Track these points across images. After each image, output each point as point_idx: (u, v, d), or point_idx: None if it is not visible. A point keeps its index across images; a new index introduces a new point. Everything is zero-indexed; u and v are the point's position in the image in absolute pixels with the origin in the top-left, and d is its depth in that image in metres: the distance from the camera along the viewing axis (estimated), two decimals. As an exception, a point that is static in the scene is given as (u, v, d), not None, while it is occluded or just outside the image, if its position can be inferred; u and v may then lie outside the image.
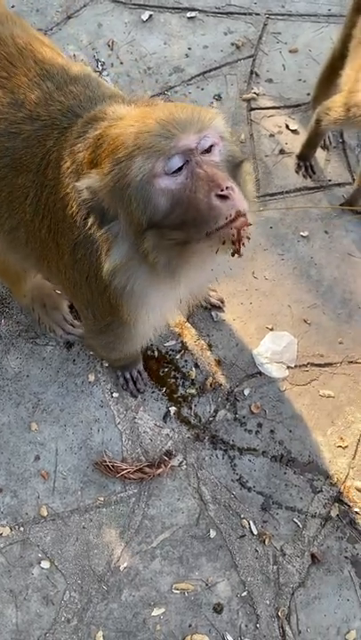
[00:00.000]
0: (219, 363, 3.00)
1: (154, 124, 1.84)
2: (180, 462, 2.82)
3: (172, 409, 2.91)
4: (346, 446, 2.87)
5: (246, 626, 2.58)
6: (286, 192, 3.40)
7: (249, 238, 1.83)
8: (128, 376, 2.92)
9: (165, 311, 2.38)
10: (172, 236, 1.88)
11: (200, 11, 3.88)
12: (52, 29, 3.80)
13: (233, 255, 1.87)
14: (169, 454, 2.83)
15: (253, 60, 3.73)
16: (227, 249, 1.85)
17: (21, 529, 2.71)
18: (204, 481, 2.79)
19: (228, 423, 2.89)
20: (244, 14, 3.87)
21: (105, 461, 2.79)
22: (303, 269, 3.21)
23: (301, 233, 3.29)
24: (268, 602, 2.61)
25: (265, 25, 3.84)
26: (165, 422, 2.89)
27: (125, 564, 2.66)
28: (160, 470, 2.78)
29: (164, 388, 2.96)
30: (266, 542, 2.70)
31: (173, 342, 3.04)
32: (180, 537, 2.70)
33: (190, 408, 2.92)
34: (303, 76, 3.69)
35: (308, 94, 3.56)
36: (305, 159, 3.43)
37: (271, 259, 3.23)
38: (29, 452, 2.84)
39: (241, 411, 2.92)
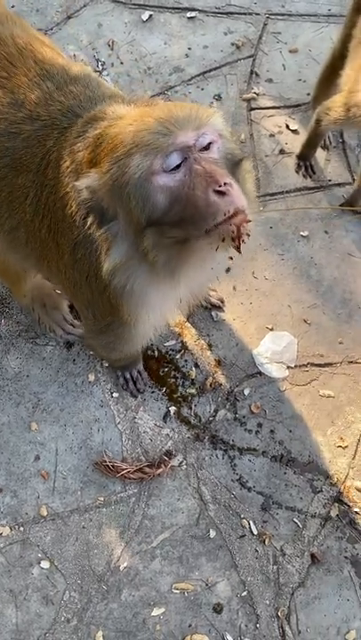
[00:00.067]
0: (219, 362, 3.00)
1: (152, 122, 1.84)
2: (180, 462, 2.82)
3: (172, 409, 2.91)
4: (346, 446, 2.87)
5: (246, 626, 2.58)
6: (286, 192, 3.40)
7: (249, 235, 1.83)
8: (128, 376, 2.92)
9: (165, 311, 2.38)
10: (171, 234, 1.88)
11: (200, 11, 3.88)
12: (52, 29, 3.80)
13: (231, 258, 1.86)
14: (169, 454, 2.83)
15: (253, 59, 3.73)
16: (226, 246, 1.85)
17: (21, 529, 2.71)
18: (204, 481, 2.79)
19: (228, 423, 2.89)
20: (245, 14, 3.87)
21: (105, 461, 2.79)
22: (303, 269, 3.21)
23: (301, 233, 3.29)
24: (268, 602, 2.61)
25: (265, 25, 3.84)
26: (165, 422, 2.89)
27: (125, 564, 2.66)
28: (160, 470, 2.78)
29: (164, 388, 2.96)
30: (266, 542, 2.69)
31: (173, 342, 3.04)
32: (180, 537, 2.70)
33: (190, 408, 2.92)
34: (303, 75, 3.69)
35: (309, 94, 3.56)
36: (305, 159, 3.43)
37: (271, 259, 3.23)
38: (29, 452, 2.84)
39: (241, 411, 2.92)
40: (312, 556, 2.68)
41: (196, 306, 2.94)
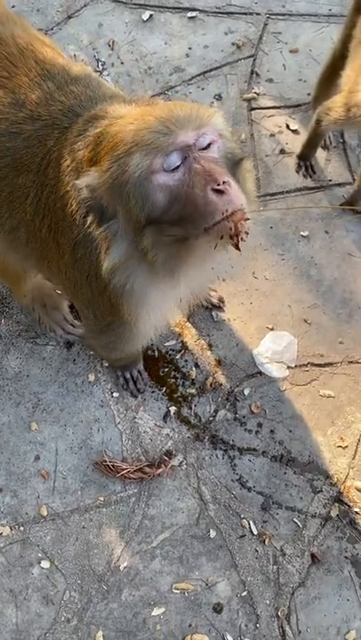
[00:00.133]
0: (219, 362, 3.00)
1: (153, 121, 1.84)
2: (180, 462, 2.82)
3: (172, 409, 2.91)
4: (346, 446, 2.87)
5: (246, 626, 2.58)
6: (287, 192, 3.40)
7: (247, 233, 1.83)
8: (128, 376, 2.92)
9: (166, 310, 2.38)
10: (170, 233, 1.88)
11: (201, 10, 3.88)
12: (52, 29, 3.80)
13: (231, 257, 1.86)
14: (169, 454, 2.83)
15: (254, 59, 3.73)
16: (225, 244, 1.85)
17: (21, 529, 2.71)
18: (204, 481, 2.79)
19: (228, 423, 2.89)
20: (245, 14, 3.87)
21: (105, 461, 2.79)
22: (303, 269, 3.21)
23: (302, 233, 3.29)
24: (268, 602, 2.61)
25: (265, 25, 3.84)
26: (165, 422, 2.89)
27: (125, 564, 2.66)
28: (160, 470, 2.78)
29: (164, 388, 2.96)
30: (266, 542, 2.69)
31: (173, 342, 3.04)
32: (180, 537, 2.70)
33: (190, 408, 2.92)
34: (304, 75, 3.69)
35: (309, 94, 3.56)
36: (305, 159, 3.43)
37: (271, 259, 3.23)
38: (29, 452, 2.84)
39: (241, 411, 2.92)
40: (312, 555, 2.68)
41: (196, 306, 2.93)
